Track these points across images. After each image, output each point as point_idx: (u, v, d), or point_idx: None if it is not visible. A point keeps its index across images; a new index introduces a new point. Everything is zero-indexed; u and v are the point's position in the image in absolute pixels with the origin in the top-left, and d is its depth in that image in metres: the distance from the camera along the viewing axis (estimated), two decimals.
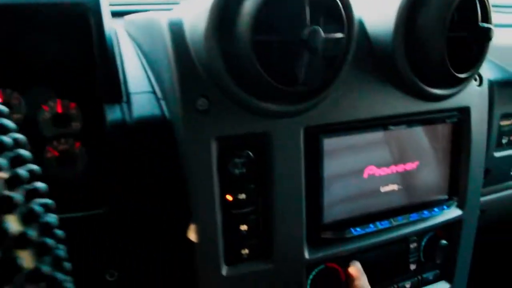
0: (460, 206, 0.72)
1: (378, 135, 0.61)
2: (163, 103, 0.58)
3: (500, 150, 0.81)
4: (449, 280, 0.77)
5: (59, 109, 0.58)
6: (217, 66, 0.49)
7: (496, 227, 1.11)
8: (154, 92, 0.60)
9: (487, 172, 0.82)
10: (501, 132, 0.81)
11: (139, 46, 0.70)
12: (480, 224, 0.94)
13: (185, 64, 0.51)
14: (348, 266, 0.64)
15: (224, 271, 0.56)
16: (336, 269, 0.65)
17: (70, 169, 0.58)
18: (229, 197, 0.55)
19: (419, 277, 0.74)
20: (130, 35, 0.75)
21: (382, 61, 0.60)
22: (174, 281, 0.62)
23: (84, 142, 0.57)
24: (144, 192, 0.55)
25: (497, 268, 1.48)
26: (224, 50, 0.48)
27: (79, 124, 0.57)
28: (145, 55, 0.66)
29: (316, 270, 0.64)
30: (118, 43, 0.70)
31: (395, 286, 0.72)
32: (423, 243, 0.72)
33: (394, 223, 0.64)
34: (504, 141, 0.81)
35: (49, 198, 0.30)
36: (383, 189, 0.63)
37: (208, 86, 0.51)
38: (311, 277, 0.63)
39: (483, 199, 0.87)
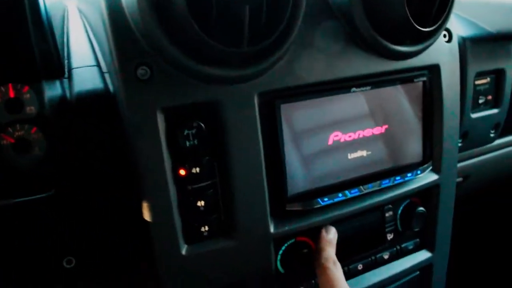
0: (435, 170, 0.69)
1: (341, 98, 0.58)
2: (107, 76, 0.54)
3: (477, 111, 0.78)
4: (430, 249, 0.74)
5: (11, 94, 0.54)
6: (153, 30, 0.45)
7: (483, 194, 1.08)
8: (98, 66, 0.56)
9: (465, 134, 0.79)
10: (477, 92, 0.77)
11: (88, 21, 0.66)
12: (467, 191, 0.91)
13: (122, 31, 0.47)
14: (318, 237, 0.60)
15: (184, 250, 0.53)
16: (307, 243, 0.62)
17: (28, 155, 0.54)
18: (182, 172, 0.51)
19: (398, 247, 0.71)
20: (81, 11, 0.71)
21: (340, 18, 0.56)
22: (135, 265, 0.58)
23: (41, 127, 0.53)
24: (92, 172, 0.52)
25: (484, 237, 1.46)
26: (159, 12, 0.44)
27: (34, 108, 0.53)
28: (92, 28, 0.62)
29: (286, 244, 0.60)
30: (66, 19, 0.66)
31: (373, 257, 0.69)
32: (399, 212, 0.69)
33: (365, 191, 0.61)
34: (481, 101, 0.78)
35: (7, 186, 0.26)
36: (351, 155, 0.60)
37: (149, 54, 0.47)
38: (281, 252, 0.60)
39: (465, 163, 0.84)
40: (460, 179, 0.91)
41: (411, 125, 0.64)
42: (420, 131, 0.66)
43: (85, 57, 0.58)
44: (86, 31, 0.65)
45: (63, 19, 0.69)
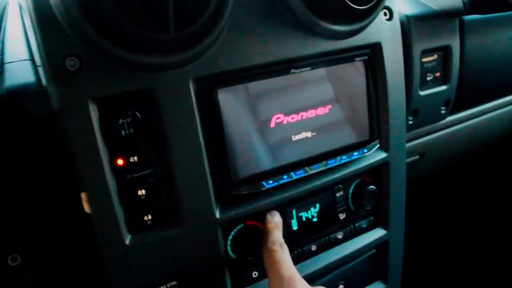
0: (384, 148, 0.70)
1: (281, 80, 0.58)
2: (40, 70, 0.53)
3: (425, 89, 0.79)
4: (384, 226, 0.75)
5: None
6: (78, 20, 0.44)
7: (440, 172, 1.10)
8: (32, 60, 0.55)
9: (415, 112, 0.80)
10: (425, 70, 0.78)
11: (26, 16, 0.65)
12: (424, 169, 0.92)
13: (48, 22, 0.46)
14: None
15: (128, 240, 0.53)
16: (257, 227, 0.62)
17: None
18: (120, 162, 0.51)
19: (352, 227, 0.72)
20: (21, 6, 0.70)
21: (276, 1, 0.56)
22: (81, 258, 0.58)
23: None
24: (28, 167, 0.51)
25: (444, 214, 1.48)
26: (83, 2, 0.43)
27: None
28: (28, 23, 0.61)
29: (235, 230, 0.61)
30: (6, 15, 0.65)
31: (327, 238, 0.69)
32: (350, 191, 0.70)
33: (310, 172, 0.61)
34: (429, 78, 0.79)
35: None
36: (295, 137, 0.60)
37: (77, 44, 0.47)
38: (230, 237, 0.60)
39: (419, 141, 0.85)
40: (416, 157, 0.92)
41: (356, 104, 0.65)
42: (365, 110, 0.66)
43: (21, 52, 0.56)
44: (24, 27, 0.64)
45: (2, 15, 0.68)
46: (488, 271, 1.45)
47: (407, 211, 0.77)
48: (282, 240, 0.56)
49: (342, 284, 0.74)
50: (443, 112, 0.84)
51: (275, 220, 0.59)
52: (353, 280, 0.75)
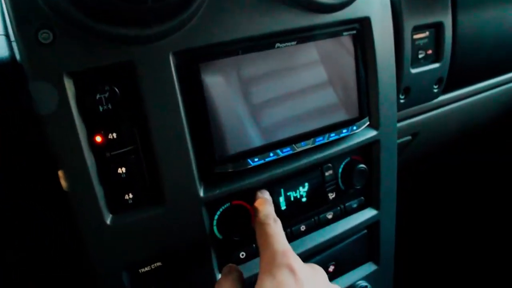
0: (374, 126, 0.68)
1: (267, 55, 0.56)
2: (14, 45, 0.51)
3: (417, 66, 0.77)
4: (375, 206, 0.74)
5: None
6: None
7: (434, 152, 1.09)
8: (7, 35, 0.53)
9: (406, 90, 0.78)
10: (416, 46, 0.76)
11: None
12: (418, 150, 0.91)
13: None
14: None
15: (109, 220, 0.51)
16: (244, 206, 0.61)
17: None
18: (98, 139, 0.49)
19: (342, 206, 0.70)
20: None
21: None
22: (60, 241, 0.56)
23: None
24: (26, 165, 0.50)
25: (437, 195, 1.48)
26: None
27: None
28: None
29: (221, 209, 0.59)
30: None
31: (316, 218, 0.68)
32: (340, 170, 0.68)
33: (298, 149, 0.60)
34: (420, 55, 0.77)
35: None
36: (282, 114, 0.59)
37: (50, 16, 0.45)
38: (216, 217, 0.59)
39: (412, 121, 0.84)
40: (408, 138, 0.91)
41: (344, 81, 0.63)
42: (354, 86, 0.64)
43: None
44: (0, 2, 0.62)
45: None
46: (482, 253, 1.44)
47: (400, 193, 0.76)
48: (275, 215, 0.54)
49: (333, 265, 0.72)
50: (435, 90, 0.82)
51: (266, 196, 0.57)
52: (344, 261, 0.74)
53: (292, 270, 0.47)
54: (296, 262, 0.49)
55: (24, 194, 0.54)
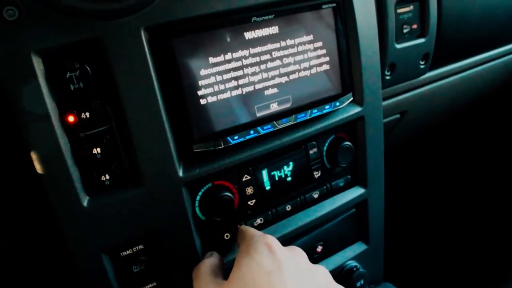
0: (358, 102, 0.67)
1: (243, 30, 0.54)
2: None
3: (402, 42, 0.76)
4: (363, 184, 0.73)
5: None
6: None
7: (423, 131, 1.07)
8: None
9: (392, 66, 0.77)
10: (401, 21, 0.75)
11: None
12: (407, 128, 0.90)
13: None
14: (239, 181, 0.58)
15: (86, 202, 0.50)
16: (227, 186, 0.59)
17: None
18: (71, 118, 0.48)
19: (328, 185, 0.69)
20: None
21: None
22: (39, 225, 0.55)
23: None
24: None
25: (426, 175, 1.47)
26: None
27: None
28: None
29: (202, 190, 0.58)
30: None
31: (302, 197, 0.67)
32: (325, 148, 0.67)
33: (279, 126, 0.59)
34: (405, 30, 0.76)
35: None
36: (262, 92, 0.57)
37: None
38: (198, 198, 0.58)
39: (399, 98, 0.82)
40: (397, 116, 0.90)
41: (326, 56, 0.62)
42: (336, 61, 0.63)
43: None
44: None
45: None
46: (474, 232, 1.44)
47: (391, 172, 0.75)
48: None
49: (321, 245, 0.72)
50: (422, 66, 0.81)
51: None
52: (333, 241, 0.73)
53: (270, 251, 0.46)
54: (275, 243, 0.48)
55: None
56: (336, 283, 0.48)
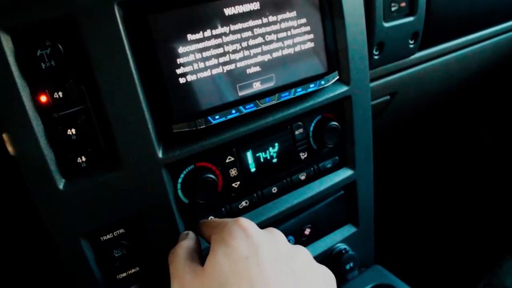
0: (344, 81, 0.65)
1: (222, 5, 0.52)
2: None
3: (390, 20, 0.74)
4: (351, 166, 0.71)
5: None
6: None
7: (414, 113, 1.06)
8: None
9: (380, 45, 0.75)
10: None
11: None
12: (398, 110, 0.88)
13: None
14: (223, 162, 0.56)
15: (62, 185, 0.48)
16: (209, 168, 0.58)
17: None
18: (43, 98, 0.46)
19: (315, 167, 0.68)
20: None
21: None
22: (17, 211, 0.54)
23: None
24: None
25: (418, 157, 1.46)
26: None
27: None
28: None
29: (184, 171, 0.56)
30: None
31: (288, 179, 0.65)
32: (311, 129, 0.66)
33: (262, 105, 0.57)
34: (393, 8, 0.74)
35: None
36: (245, 70, 0.56)
37: None
38: (180, 180, 0.56)
39: (389, 78, 0.81)
40: (387, 97, 0.88)
41: (310, 33, 0.60)
42: (321, 39, 0.61)
43: None
44: None
45: None
46: (462, 215, 1.44)
47: (383, 155, 0.73)
48: None
49: (309, 227, 0.70)
50: (411, 46, 0.79)
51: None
52: (321, 224, 0.72)
53: (246, 234, 0.44)
54: (250, 226, 0.46)
55: None
56: (318, 263, 0.47)
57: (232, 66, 0.54)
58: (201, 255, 0.49)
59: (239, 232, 0.45)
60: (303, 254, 0.46)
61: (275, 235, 0.47)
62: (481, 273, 0.85)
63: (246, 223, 0.46)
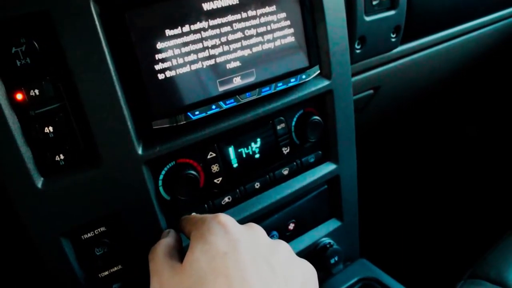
0: (325, 75, 0.65)
1: (202, 1, 0.52)
2: None
3: (372, 14, 0.74)
4: (334, 160, 0.71)
5: None
6: None
7: (398, 107, 1.06)
8: None
9: (362, 39, 0.75)
10: None
11: None
12: (381, 104, 0.89)
13: None
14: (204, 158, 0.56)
15: (40, 183, 0.48)
16: (191, 164, 0.58)
17: None
18: (19, 96, 0.46)
19: (298, 162, 0.68)
20: None
21: None
22: None
23: None
24: None
25: (402, 151, 1.47)
26: None
27: None
28: None
29: (165, 168, 0.56)
30: None
31: (271, 174, 0.65)
32: (293, 123, 0.66)
33: (242, 100, 0.57)
34: (375, 2, 0.74)
35: None
36: (225, 66, 0.55)
37: None
38: (161, 177, 0.56)
39: (372, 73, 0.81)
40: (370, 92, 0.89)
41: (290, 27, 0.60)
42: (302, 33, 0.61)
43: None
44: None
45: None
46: (447, 208, 1.45)
47: (366, 149, 0.73)
48: None
49: (293, 222, 0.70)
50: (393, 40, 0.80)
51: None
52: (305, 218, 0.72)
53: (225, 230, 0.44)
54: (229, 221, 0.46)
55: None
56: (299, 258, 0.47)
57: (211, 62, 0.54)
58: (181, 252, 0.49)
59: (218, 228, 0.45)
60: (284, 249, 0.46)
61: (255, 231, 0.47)
62: (465, 265, 0.85)
63: (225, 219, 0.46)
